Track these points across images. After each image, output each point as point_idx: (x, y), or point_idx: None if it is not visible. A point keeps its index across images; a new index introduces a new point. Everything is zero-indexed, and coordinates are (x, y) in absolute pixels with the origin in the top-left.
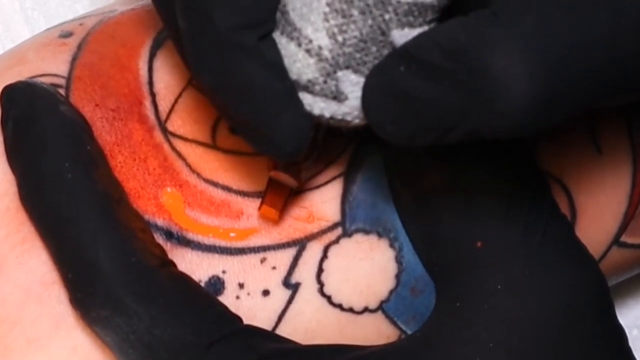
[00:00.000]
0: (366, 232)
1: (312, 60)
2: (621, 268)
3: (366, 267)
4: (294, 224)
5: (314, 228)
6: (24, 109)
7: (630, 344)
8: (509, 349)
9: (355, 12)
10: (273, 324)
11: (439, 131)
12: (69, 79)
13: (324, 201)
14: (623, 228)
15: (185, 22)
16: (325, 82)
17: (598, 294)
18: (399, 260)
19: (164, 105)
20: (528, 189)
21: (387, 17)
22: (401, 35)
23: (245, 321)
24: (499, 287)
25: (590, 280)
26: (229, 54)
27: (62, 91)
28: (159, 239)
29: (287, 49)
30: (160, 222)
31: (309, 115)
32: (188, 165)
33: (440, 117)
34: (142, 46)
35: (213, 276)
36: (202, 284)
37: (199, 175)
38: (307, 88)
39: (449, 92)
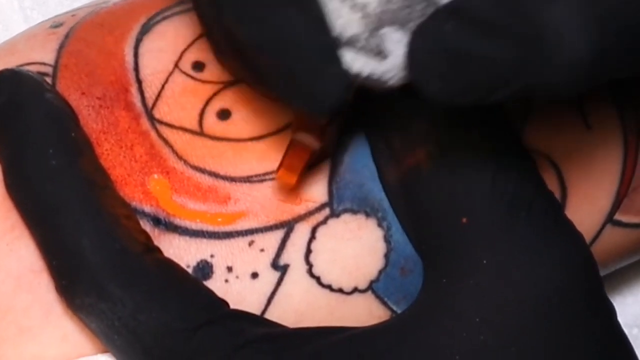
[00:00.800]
0: (354, 212)
1: (356, 16)
2: (617, 250)
3: (355, 247)
4: (281, 206)
5: (301, 210)
6: (9, 96)
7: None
8: (496, 325)
9: None
10: (263, 307)
11: (488, 89)
12: (55, 67)
13: (311, 183)
14: (616, 206)
15: None
16: (368, 38)
17: (585, 270)
18: (387, 239)
19: (150, 92)
20: (513, 165)
21: None
22: None
23: (235, 305)
24: (485, 262)
25: (577, 256)
26: (274, 6)
27: (48, 79)
28: (147, 225)
29: (330, 4)
30: (147, 208)
31: (348, 73)
32: (175, 152)
33: (491, 73)
34: (129, 32)
35: (201, 260)
36: (191, 269)
37: (185, 161)
38: (349, 43)
39: (500, 47)
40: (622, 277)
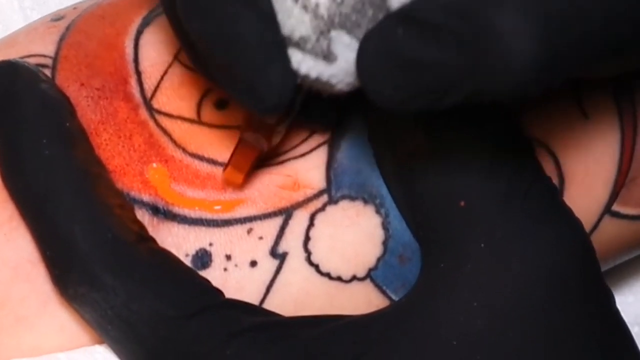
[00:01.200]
0: (352, 198)
1: (307, 17)
2: (616, 242)
3: (353, 234)
4: (280, 193)
5: (299, 196)
6: (5, 87)
7: None
8: (493, 310)
9: None
10: (262, 296)
11: (438, 94)
12: (55, 59)
13: (309, 169)
14: (614, 196)
15: None
16: (317, 40)
17: (583, 255)
18: (385, 226)
19: (149, 84)
20: (510, 150)
21: None
22: (399, 2)
23: (234, 293)
24: (482, 246)
25: (575, 240)
26: (223, 1)
27: (48, 71)
28: (145, 214)
29: (283, 3)
30: (146, 197)
31: (295, 73)
32: (173, 140)
33: (440, 78)
34: (131, 25)
35: (200, 249)
36: (190, 258)
37: (184, 150)
38: (298, 45)
39: (450, 53)
40: (622, 276)
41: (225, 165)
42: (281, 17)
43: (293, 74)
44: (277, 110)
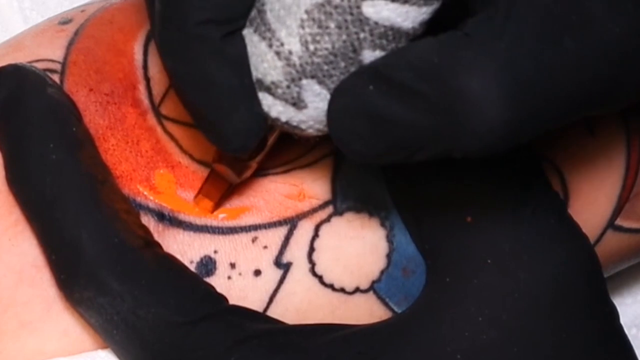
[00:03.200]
0: (357, 210)
1: (279, 64)
2: (618, 254)
3: (357, 246)
4: (285, 203)
5: (305, 206)
6: (12, 90)
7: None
8: (499, 325)
9: (332, 25)
10: (264, 305)
11: (407, 152)
12: (64, 64)
13: (315, 179)
14: (618, 211)
15: (160, 3)
16: (288, 87)
17: (589, 271)
18: (390, 239)
19: (158, 90)
20: (519, 165)
21: (362, 35)
22: (371, 56)
23: (237, 302)
24: (489, 262)
25: (582, 256)
26: (192, 46)
27: (57, 76)
28: (151, 220)
29: (257, 47)
30: (152, 204)
31: (264, 116)
32: (180, 146)
33: (410, 137)
34: (140, 30)
35: (205, 256)
36: (194, 265)
37: (191, 156)
38: (269, 89)
39: (419, 113)
40: (621, 278)
41: (197, 192)
42: (254, 60)
43: (260, 118)
44: (243, 151)
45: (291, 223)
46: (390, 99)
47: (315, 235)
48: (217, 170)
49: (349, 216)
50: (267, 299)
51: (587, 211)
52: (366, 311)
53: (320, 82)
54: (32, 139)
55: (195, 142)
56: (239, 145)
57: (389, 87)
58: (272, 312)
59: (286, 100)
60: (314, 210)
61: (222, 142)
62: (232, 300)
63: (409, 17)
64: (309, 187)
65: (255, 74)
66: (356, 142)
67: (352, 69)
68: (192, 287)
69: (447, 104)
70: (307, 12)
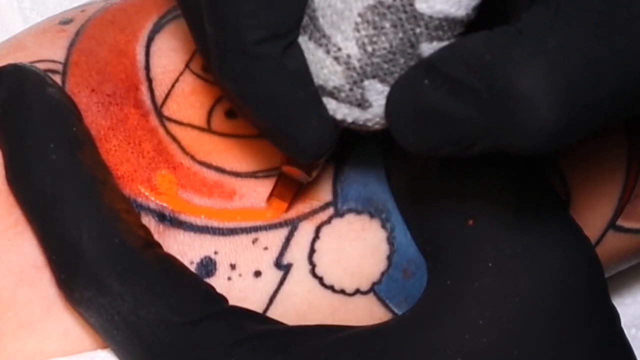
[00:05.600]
0: (358, 212)
1: (339, 68)
2: (618, 254)
3: (358, 248)
4: None
5: (305, 208)
6: (12, 90)
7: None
8: (499, 327)
9: (387, 25)
10: (264, 306)
11: (461, 146)
12: (65, 64)
13: (316, 181)
14: (619, 212)
15: (212, 29)
16: (351, 89)
17: (591, 274)
18: (390, 241)
19: (160, 91)
20: (521, 168)
21: (417, 30)
22: (429, 48)
23: (237, 303)
24: (490, 265)
25: (583, 259)
26: (254, 65)
27: (59, 77)
28: (152, 221)
29: (315, 54)
30: (153, 204)
31: (332, 119)
32: (182, 147)
33: (462, 132)
34: (141, 31)
35: (205, 257)
36: (195, 265)
37: (192, 157)
38: (332, 94)
39: (471, 109)
40: (620, 279)
41: (269, 195)
42: (313, 67)
43: (330, 123)
44: (319, 157)
45: (292, 224)
46: (444, 94)
47: (316, 236)
48: (286, 172)
49: (350, 218)
50: (267, 300)
51: (588, 211)
52: (366, 312)
53: (382, 81)
54: (33, 138)
55: (197, 144)
56: (315, 153)
57: (443, 81)
58: (272, 313)
59: (350, 103)
60: (315, 212)
61: (299, 153)
62: (232, 301)
63: (462, 6)
64: (310, 188)
65: (316, 80)
66: (412, 136)
67: (412, 63)
68: (193, 287)
69: (498, 101)
70: (360, 15)
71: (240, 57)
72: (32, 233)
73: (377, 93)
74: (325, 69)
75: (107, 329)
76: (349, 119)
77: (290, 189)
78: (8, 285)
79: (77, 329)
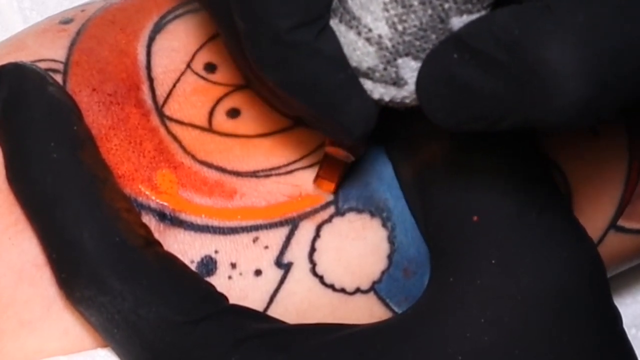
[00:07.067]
0: (359, 211)
1: (372, 49)
2: (619, 255)
3: (358, 247)
4: (287, 203)
5: (306, 207)
6: (12, 89)
7: None
8: (501, 326)
9: (415, 2)
10: (265, 305)
11: (489, 121)
12: (66, 64)
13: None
14: (620, 212)
15: (244, 23)
16: (385, 69)
17: (593, 274)
18: (391, 240)
19: (161, 90)
20: (526, 166)
21: (446, 6)
22: (460, 22)
23: (237, 302)
24: (493, 262)
25: (586, 259)
26: (291, 53)
27: (60, 76)
28: (152, 220)
29: (347, 37)
30: (153, 203)
31: (371, 98)
32: (183, 147)
33: (490, 107)
34: (142, 30)
35: (206, 256)
36: (195, 264)
37: (193, 156)
38: (367, 75)
39: (501, 83)
40: (620, 279)
41: (315, 176)
42: (346, 49)
43: (371, 102)
44: (365, 137)
45: (292, 223)
46: (473, 68)
47: (317, 235)
48: (331, 153)
49: (351, 217)
50: (267, 299)
51: (590, 212)
52: (367, 311)
53: (416, 58)
54: (33, 137)
55: (198, 143)
56: (361, 133)
57: (472, 56)
58: (273, 312)
59: (386, 82)
60: (316, 211)
61: (345, 135)
62: (233, 300)
63: None
64: (311, 187)
65: (350, 62)
66: (441, 110)
67: (443, 38)
68: (193, 286)
69: (526, 76)
70: None
71: (275, 46)
72: (32, 232)
73: (412, 70)
74: (358, 51)
75: (107, 328)
76: (386, 98)
77: (336, 169)
78: (8, 283)
79: (78, 328)
